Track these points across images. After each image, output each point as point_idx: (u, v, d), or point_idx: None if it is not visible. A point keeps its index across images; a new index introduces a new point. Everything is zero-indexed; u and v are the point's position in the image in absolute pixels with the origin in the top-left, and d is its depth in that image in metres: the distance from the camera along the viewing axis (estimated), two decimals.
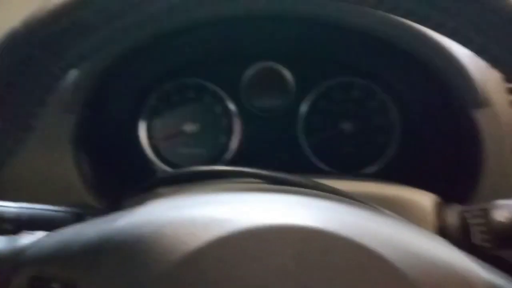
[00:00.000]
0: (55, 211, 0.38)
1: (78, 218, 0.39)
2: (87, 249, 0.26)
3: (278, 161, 0.66)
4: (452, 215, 0.40)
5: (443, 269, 0.24)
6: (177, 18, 0.53)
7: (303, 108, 0.66)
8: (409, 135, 0.63)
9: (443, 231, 0.40)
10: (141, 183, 0.45)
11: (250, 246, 0.24)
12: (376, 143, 0.65)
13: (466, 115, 0.49)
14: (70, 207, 0.40)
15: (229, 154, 0.65)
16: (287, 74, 0.66)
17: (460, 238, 0.39)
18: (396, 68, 0.62)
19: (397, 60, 0.58)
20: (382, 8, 0.27)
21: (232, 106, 0.66)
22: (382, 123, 0.65)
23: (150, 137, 0.65)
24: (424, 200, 0.41)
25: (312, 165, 0.65)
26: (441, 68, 0.50)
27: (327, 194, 0.33)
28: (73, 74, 0.50)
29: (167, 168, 0.65)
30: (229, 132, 0.66)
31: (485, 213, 0.38)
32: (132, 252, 0.24)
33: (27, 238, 0.28)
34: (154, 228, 0.25)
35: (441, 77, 0.50)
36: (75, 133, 0.50)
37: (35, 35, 0.25)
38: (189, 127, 0.65)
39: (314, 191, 0.34)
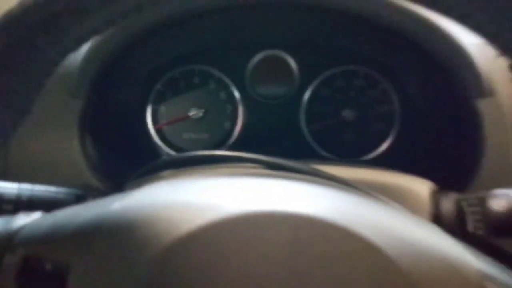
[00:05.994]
0: (56, 192, 0.37)
1: (80, 199, 0.38)
2: (81, 230, 0.25)
3: (280, 147, 0.65)
4: (448, 203, 0.39)
5: (435, 257, 0.23)
6: (183, 5, 0.51)
7: (306, 95, 0.64)
8: (409, 123, 0.62)
9: (438, 219, 0.39)
10: (144, 167, 0.44)
11: (242, 232, 0.22)
12: (377, 131, 0.63)
13: (469, 104, 0.47)
14: (72, 189, 0.39)
15: (232, 140, 0.64)
16: (291, 62, 0.65)
17: (455, 226, 0.38)
18: (400, 57, 0.60)
19: (401, 48, 0.56)
20: None
21: (236, 93, 0.65)
22: (383, 111, 0.63)
23: (156, 122, 0.64)
24: (420, 187, 0.40)
25: (313, 151, 0.63)
26: (446, 57, 0.48)
27: (322, 180, 0.32)
28: (78, 60, 0.49)
29: (172, 152, 0.64)
30: (233, 118, 0.65)
31: (482, 201, 0.37)
32: (125, 235, 0.23)
33: (23, 219, 0.27)
34: (148, 211, 0.24)
35: (445, 66, 0.48)
36: (82, 118, 0.49)
37: (31, 18, 0.24)
38: (195, 113, 0.64)
39: (310, 177, 0.32)
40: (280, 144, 0.65)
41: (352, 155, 0.63)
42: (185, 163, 0.43)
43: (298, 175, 0.34)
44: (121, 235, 0.23)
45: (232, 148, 0.64)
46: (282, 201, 0.24)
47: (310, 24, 0.60)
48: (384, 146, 0.63)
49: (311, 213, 0.23)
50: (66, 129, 0.48)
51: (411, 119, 0.61)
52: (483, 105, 0.46)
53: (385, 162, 0.62)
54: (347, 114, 0.63)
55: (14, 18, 0.24)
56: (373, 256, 0.22)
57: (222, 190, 0.25)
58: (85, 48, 0.49)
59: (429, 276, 0.22)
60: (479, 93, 0.46)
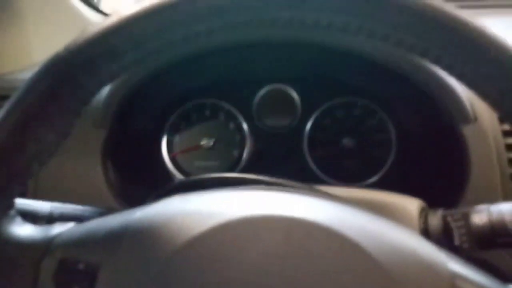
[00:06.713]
0: (83, 210, 0.42)
1: (103, 216, 0.42)
2: (109, 235, 0.29)
3: (285, 173, 0.68)
4: (436, 219, 0.42)
5: (411, 257, 0.26)
6: (196, 45, 0.57)
7: (308, 125, 0.69)
8: (405, 150, 0.65)
9: (427, 234, 0.41)
10: (161, 189, 0.48)
11: (242, 233, 0.26)
12: (375, 157, 0.67)
13: (455, 130, 0.51)
14: (97, 208, 0.44)
15: (240, 167, 0.68)
16: (294, 95, 0.70)
17: (443, 240, 0.41)
18: (394, 90, 0.64)
19: (394, 82, 0.61)
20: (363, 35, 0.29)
21: (244, 124, 0.69)
22: (380, 139, 0.67)
23: (170, 150, 0.69)
24: (409, 205, 0.43)
25: (316, 177, 0.67)
26: (432, 89, 0.52)
27: (315, 193, 0.35)
28: (103, 95, 0.54)
29: None
30: (241, 147, 0.69)
31: (465, 216, 0.40)
32: (147, 238, 0.28)
33: (59, 228, 0.31)
34: (165, 218, 0.28)
35: (430, 96, 0.53)
36: (104, 146, 0.54)
37: (75, 58, 0.29)
38: (206, 142, 0.69)
39: (305, 191, 0.36)
40: (285, 171, 0.69)
41: (352, 180, 0.67)
42: (198, 185, 0.47)
43: (293, 189, 0.38)
44: (143, 239, 0.28)
45: None
46: (277, 207, 0.28)
47: (311, 60, 0.65)
48: (383, 171, 0.67)
49: (302, 216, 0.27)
50: (90, 156, 0.53)
51: (406, 145, 0.65)
52: (467, 131, 0.50)
53: (384, 186, 0.65)
54: (347, 142, 0.67)
55: (61, 58, 0.29)
56: (356, 254, 0.26)
57: (226, 200, 0.29)
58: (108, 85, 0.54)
59: (406, 273, 0.26)
60: (463, 119, 0.50)
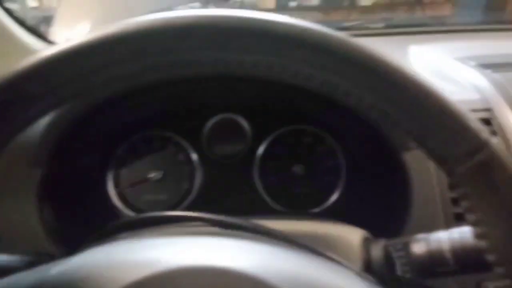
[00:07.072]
0: (9, 261, 0.39)
1: (32, 266, 0.40)
2: None
3: (236, 202, 0.67)
4: (377, 249, 0.41)
5: None
6: (136, 81, 0.55)
7: (259, 154, 0.68)
8: (355, 177, 0.66)
9: (369, 264, 0.41)
10: (97, 231, 0.46)
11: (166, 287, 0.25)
12: (325, 184, 0.67)
13: (396, 157, 0.52)
14: (26, 255, 0.41)
15: (190, 199, 0.67)
16: (244, 123, 0.69)
17: (386, 271, 0.41)
18: (340, 117, 0.65)
19: (340, 110, 0.62)
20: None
21: (194, 155, 0.68)
22: (330, 166, 0.67)
23: (117, 185, 0.66)
24: (352, 236, 0.42)
25: (266, 205, 0.66)
26: (373, 116, 0.53)
27: (254, 235, 0.34)
28: (39, 130, 0.52)
29: (132, 214, 0.66)
30: (191, 178, 0.68)
31: (405, 246, 0.40)
32: None
33: None
34: (82, 273, 0.26)
35: (373, 125, 0.54)
36: (40, 185, 0.51)
37: None
38: (154, 175, 0.67)
39: (244, 233, 0.35)
40: (236, 200, 0.68)
41: (303, 207, 0.66)
42: (137, 225, 0.45)
43: (230, 232, 0.37)
44: None
45: (190, 206, 0.67)
46: (204, 256, 0.27)
47: (258, 90, 0.65)
48: (333, 198, 0.67)
49: (229, 266, 0.26)
50: (24, 197, 0.50)
51: (356, 172, 0.66)
52: (408, 157, 0.51)
53: (334, 212, 0.65)
54: (297, 169, 0.67)
55: None
56: None
57: (151, 249, 0.28)
58: (44, 119, 0.52)
59: None
60: (403, 146, 0.51)
